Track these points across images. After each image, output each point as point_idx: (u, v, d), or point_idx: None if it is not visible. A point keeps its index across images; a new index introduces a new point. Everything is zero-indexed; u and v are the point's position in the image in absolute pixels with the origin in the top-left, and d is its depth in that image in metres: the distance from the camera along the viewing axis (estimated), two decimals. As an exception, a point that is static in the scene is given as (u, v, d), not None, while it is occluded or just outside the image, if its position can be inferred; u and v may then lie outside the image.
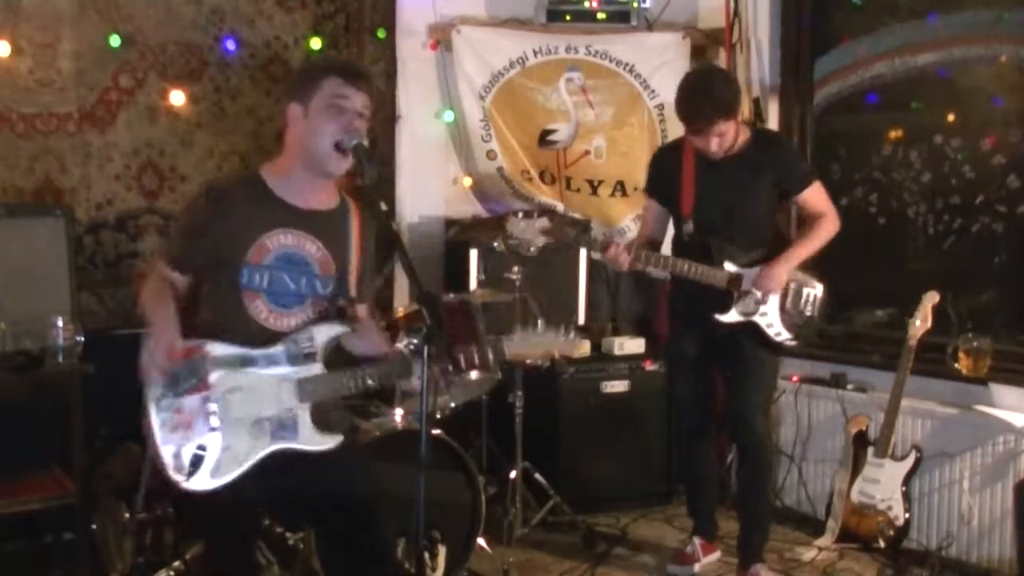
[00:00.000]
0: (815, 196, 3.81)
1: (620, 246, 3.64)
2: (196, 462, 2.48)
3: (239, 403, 2.54)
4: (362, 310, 2.84)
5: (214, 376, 2.54)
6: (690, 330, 3.91)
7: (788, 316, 3.77)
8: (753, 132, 3.80)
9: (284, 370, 2.59)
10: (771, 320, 3.75)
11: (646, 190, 4.02)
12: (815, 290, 3.82)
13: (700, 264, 3.66)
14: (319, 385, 2.60)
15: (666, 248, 3.97)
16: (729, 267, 3.70)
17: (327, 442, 2.62)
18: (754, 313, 3.72)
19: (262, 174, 2.68)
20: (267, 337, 2.61)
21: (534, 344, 2.80)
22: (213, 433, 2.51)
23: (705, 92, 3.56)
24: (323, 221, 2.69)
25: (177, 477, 2.48)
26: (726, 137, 3.62)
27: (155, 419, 2.49)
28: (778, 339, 3.78)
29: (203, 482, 2.49)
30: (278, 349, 2.59)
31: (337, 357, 2.70)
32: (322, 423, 2.62)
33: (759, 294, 3.69)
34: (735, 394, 3.89)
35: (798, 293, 3.78)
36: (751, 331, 3.76)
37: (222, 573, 2.67)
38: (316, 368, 2.60)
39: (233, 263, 2.58)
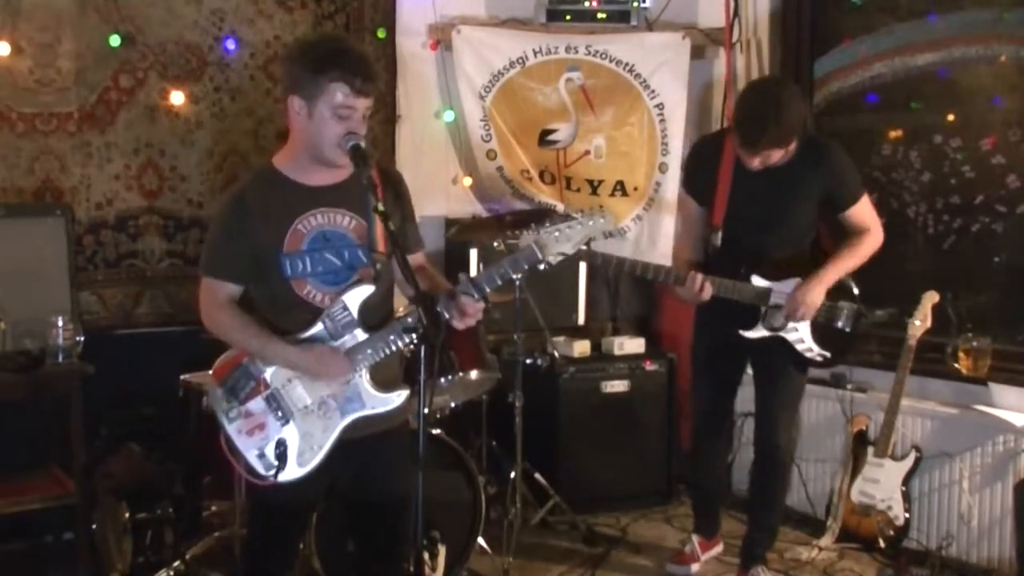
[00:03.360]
0: (862, 211, 3.58)
1: (699, 277, 3.41)
2: (281, 456, 2.59)
3: (299, 391, 2.63)
4: (417, 258, 2.80)
5: (268, 373, 2.63)
6: (717, 340, 3.77)
7: (820, 331, 3.61)
8: (802, 141, 3.47)
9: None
10: (802, 336, 3.59)
11: (683, 185, 3.80)
12: (850, 305, 3.63)
13: (726, 280, 3.49)
14: (365, 350, 2.62)
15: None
16: (757, 281, 3.54)
17: (394, 399, 2.68)
18: (782, 328, 3.58)
19: (274, 163, 2.69)
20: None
21: (568, 236, 2.57)
22: (287, 426, 2.62)
23: (774, 117, 3.31)
24: (345, 191, 2.68)
25: (268, 475, 2.59)
26: (770, 158, 3.42)
27: (231, 430, 2.62)
28: (809, 355, 3.63)
29: (293, 472, 2.61)
30: (318, 329, 2.62)
31: (376, 317, 2.71)
32: (383, 383, 2.67)
33: (792, 313, 3.50)
34: (761, 408, 3.83)
35: (831, 309, 3.60)
36: (781, 345, 3.62)
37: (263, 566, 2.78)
38: (359, 334, 2.63)
39: (272, 257, 2.61)
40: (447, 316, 2.55)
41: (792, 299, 3.50)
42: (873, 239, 3.59)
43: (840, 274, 3.55)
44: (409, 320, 2.59)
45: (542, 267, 2.60)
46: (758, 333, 3.59)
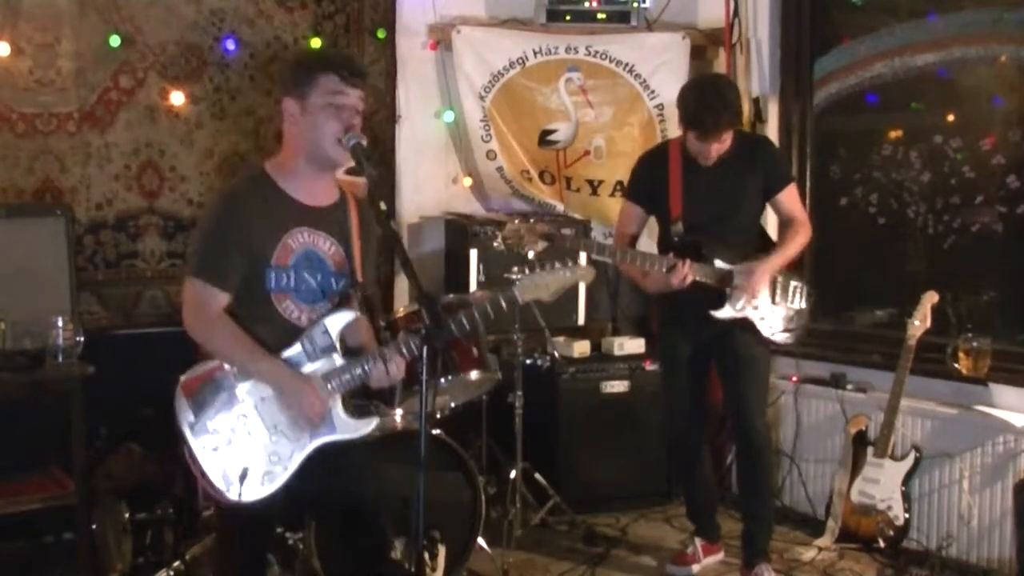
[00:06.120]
0: (792, 198, 3.87)
1: (687, 262, 3.62)
2: (245, 475, 2.52)
3: (271, 410, 2.58)
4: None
5: (243, 389, 2.58)
6: (684, 331, 3.90)
7: (779, 310, 3.82)
8: (736, 135, 3.75)
9: (307, 368, 2.61)
10: (764, 314, 3.78)
11: (629, 197, 3.97)
12: (800, 283, 3.88)
13: (702, 265, 3.67)
14: (342, 375, 2.61)
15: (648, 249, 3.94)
16: (720, 264, 3.72)
17: (364, 427, 2.66)
18: (744, 308, 3.74)
19: (268, 171, 2.67)
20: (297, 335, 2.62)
21: (544, 284, 2.70)
22: (255, 444, 2.56)
23: (723, 103, 3.59)
24: (330, 217, 2.69)
25: (229, 493, 2.52)
26: (725, 144, 3.66)
27: (195, 444, 2.54)
28: (771, 333, 3.81)
29: (255, 492, 2.54)
30: (296, 350, 2.61)
31: (354, 342, 2.71)
32: (355, 410, 2.66)
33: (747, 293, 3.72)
34: (734, 395, 3.89)
35: (785, 286, 3.83)
36: (746, 327, 3.78)
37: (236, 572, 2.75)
38: (336, 359, 2.62)
39: (260, 267, 2.59)
40: (369, 367, 2.59)
41: (745, 278, 3.70)
42: (805, 228, 3.86)
43: (783, 260, 3.80)
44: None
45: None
46: (727, 313, 3.74)
